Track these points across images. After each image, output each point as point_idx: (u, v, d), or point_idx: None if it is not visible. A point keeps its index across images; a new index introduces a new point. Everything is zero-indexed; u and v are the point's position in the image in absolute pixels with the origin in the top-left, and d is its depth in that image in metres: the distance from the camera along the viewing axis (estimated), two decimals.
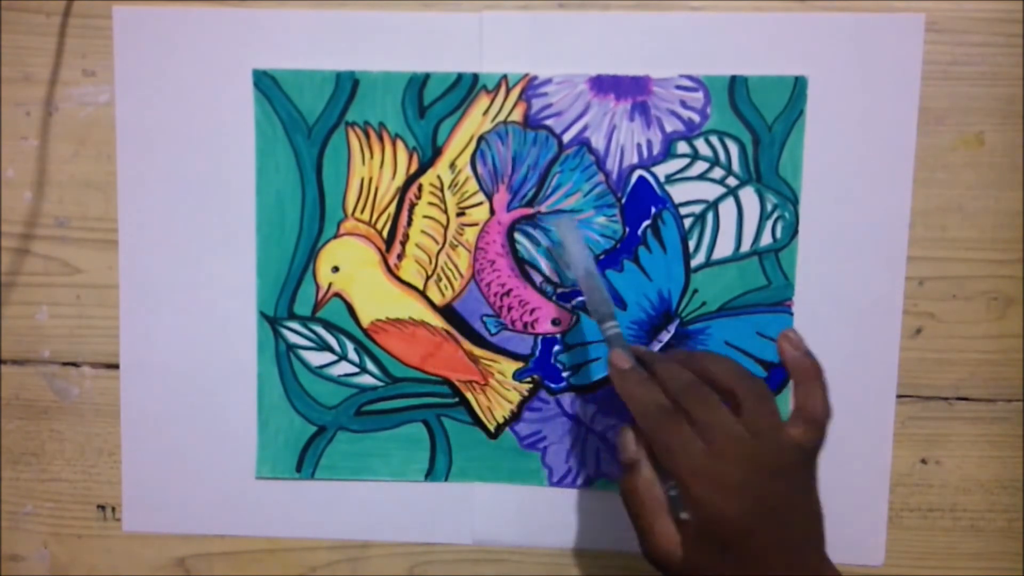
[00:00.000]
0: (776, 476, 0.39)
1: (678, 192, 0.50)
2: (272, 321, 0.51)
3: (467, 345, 0.51)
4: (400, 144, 0.50)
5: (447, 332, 0.51)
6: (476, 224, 0.51)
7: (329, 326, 0.51)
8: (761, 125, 0.49)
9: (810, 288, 0.50)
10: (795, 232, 0.50)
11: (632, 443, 0.42)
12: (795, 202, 0.50)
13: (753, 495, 0.38)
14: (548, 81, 0.49)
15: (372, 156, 0.50)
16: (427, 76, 0.50)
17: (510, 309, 0.51)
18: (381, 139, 0.50)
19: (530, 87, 0.49)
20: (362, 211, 0.51)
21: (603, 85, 0.49)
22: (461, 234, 0.51)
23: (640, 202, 0.50)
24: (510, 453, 0.52)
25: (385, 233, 0.51)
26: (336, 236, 0.51)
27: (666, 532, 0.40)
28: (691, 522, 0.39)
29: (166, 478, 0.53)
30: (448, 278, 0.51)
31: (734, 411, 0.40)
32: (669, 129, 0.49)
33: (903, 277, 0.50)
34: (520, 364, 0.51)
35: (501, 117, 0.50)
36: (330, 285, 0.51)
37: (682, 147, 0.50)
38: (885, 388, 0.50)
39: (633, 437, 0.42)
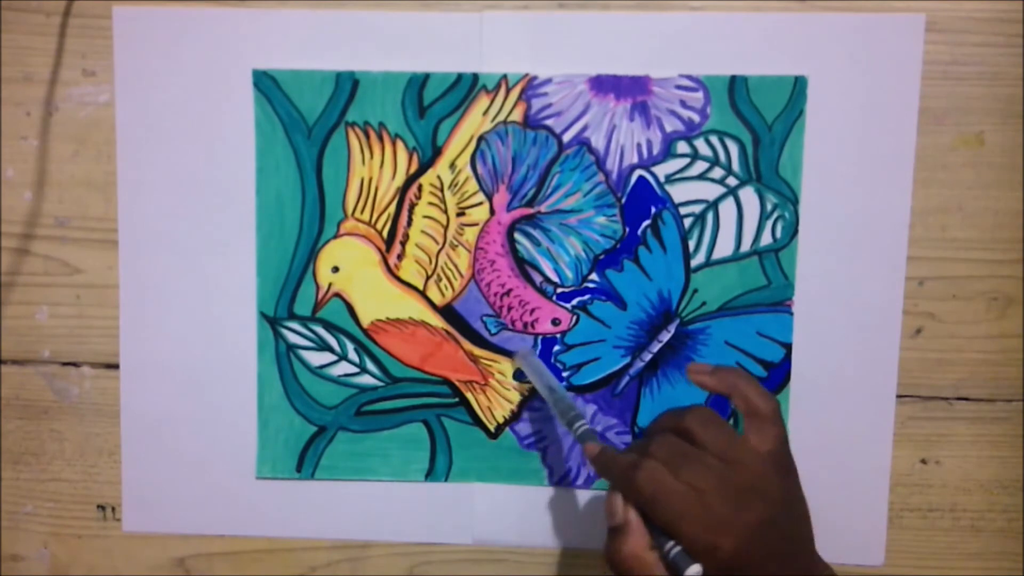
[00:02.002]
0: (755, 493, 0.40)
1: (678, 192, 0.50)
2: (272, 321, 0.51)
3: (467, 345, 0.51)
4: (400, 144, 0.50)
5: (447, 332, 0.51)
6: (476, 224, 0.51)
7: (329, 326, 0.51)
8: (761, 125, 0.49)
9: (810, 288, 0.50)
10: (795, 232, 0.50)
11: (620, 507, 0.41)
12: (795, 202, 0.50)
13: (741, 522, 0.39)
14: (548, 81, 0.49)
15: (372, 156, 0.50)
16: (427, 76, 0.50)
17: (510, 309, 0.51)
18: (381, 139, 0.50)
19: (530, 87, 0.49)
20: (362, 211, 0.51)
21: (603, 85, 0.49)
22: (461, 234, 0.51)
23: (640, 202, 0.50)
24: (510, 453, 0.52)
25: (385, 233, 0.51)
26: (336, 236, 0.51)
27: None
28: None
29: (166, 478, 0.53)
30: (448, 278, 0.51)
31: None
32: (669, 129, 0.49)
33: (903, 277, 0.50)
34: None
35: (501, 117, 0.50)
36: (330, 285, 0.51)
37: (682, 147, 0.50)
38: (885, 388, 0.50)
39: (621, 502, 0.41)
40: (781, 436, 0.42)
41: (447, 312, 0.51)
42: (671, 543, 0.39)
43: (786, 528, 0.41)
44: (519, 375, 0.51)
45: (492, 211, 0.50)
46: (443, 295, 0.51)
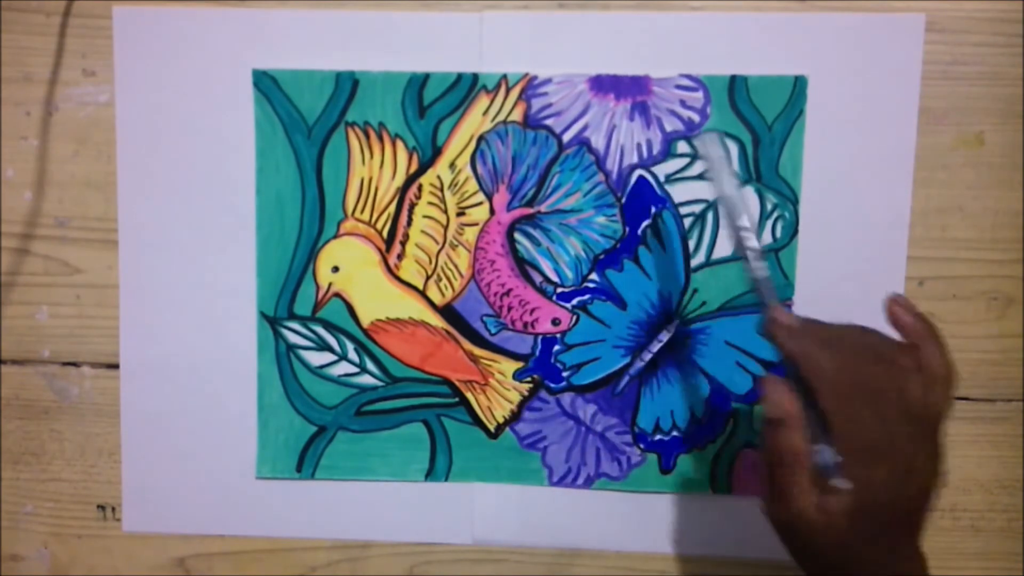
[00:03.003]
0: (929, 447, 0.39)
1: (678, 192, 0.50)
2: (272, 321, 0.51)
3: (467, 345, 0.51)
4: (400, 144, 0.50)
5: (447, 332, 0.51)
6: (476, 224, 0.51)
7: (329, 326, 0.51)
8: (761, 125, 0.49)
9: (810, 288, 0.50)
10: (795, 232, 0.50)
11: (786, 399, 0.39)
12: (795, 202, 0.50)
13: (919, 484, 0.39)
14: (548, 81, 0.49)
15: (372, 156, 0.50)
16: (427, 76, 0.50)
17: (510, 309, 0.51)
18: (381, 139, 0.50)
19: (530, 87, 0.49)
20: (362, 211, 0.51)
21: (603, 85, 0.49)
22: (461, 234, 0.51)
23: (640, 202, 0.50)
24: (510, 453, 0.52)
25: (385, 233, 0.51)
26: (336, 236, 0.51)
27: (804, 492, 0.39)
28: (848, 495, 0.38)
29: (166, 478, 0.53)
30: (448, 278, 0.51)
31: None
32: (669, 129, 0.49)
33: (903, 277, 0.50)
34: (520, 364, 0.51)
35: (501, 117, 0.50)
36: (330, 285, 0.51)
37: (682, 147, 0.50)
38: None
39: (787, 392, 0.39)
40: (947, 405, 0.40)
41: (447, 312, 0.51)
42: (824, 447, 0.38)
43: (926, 495, 0.40)
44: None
45: (492, 211, 0.50)
46: (443, 295, 0.51)
